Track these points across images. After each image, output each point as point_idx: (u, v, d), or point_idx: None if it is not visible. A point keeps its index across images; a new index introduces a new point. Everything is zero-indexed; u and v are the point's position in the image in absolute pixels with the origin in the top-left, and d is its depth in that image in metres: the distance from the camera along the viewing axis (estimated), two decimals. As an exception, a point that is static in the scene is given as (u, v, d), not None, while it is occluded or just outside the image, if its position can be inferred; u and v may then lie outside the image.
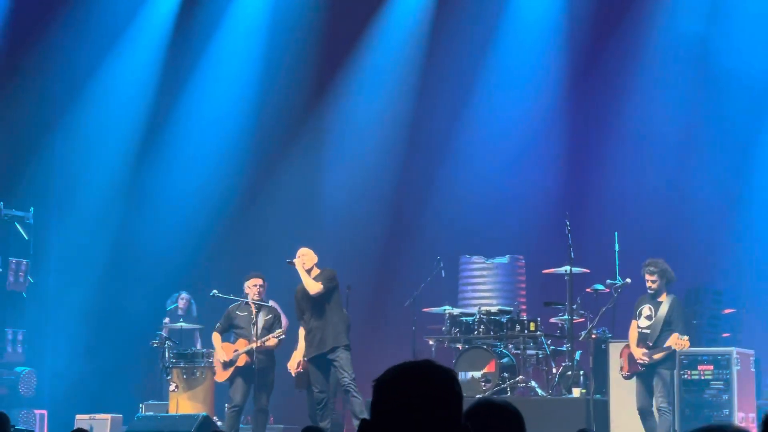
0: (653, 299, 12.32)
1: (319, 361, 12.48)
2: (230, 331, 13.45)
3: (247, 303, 13.26)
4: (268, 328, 13.19)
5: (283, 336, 13.21)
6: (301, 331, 12.94)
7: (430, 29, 17.31)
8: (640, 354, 12.18)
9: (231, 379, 13.12)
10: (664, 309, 12.19)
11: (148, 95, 17.30)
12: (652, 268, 12.27)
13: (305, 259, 12.72)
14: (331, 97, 17.79)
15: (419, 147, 17.40)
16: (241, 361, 13.06)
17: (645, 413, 12.18)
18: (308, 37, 17.36)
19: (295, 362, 13.29)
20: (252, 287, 13.29)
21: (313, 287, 12.57)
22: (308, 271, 12.69)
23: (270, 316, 13.29)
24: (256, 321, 13.14)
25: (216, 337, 13.35)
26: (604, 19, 16.52)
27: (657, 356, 12.11)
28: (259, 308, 13.25)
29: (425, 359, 2.56)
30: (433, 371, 2.47)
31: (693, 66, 15.99)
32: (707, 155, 15.84)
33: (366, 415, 3.76)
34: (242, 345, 13.14)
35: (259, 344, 12.99)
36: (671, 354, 12.17)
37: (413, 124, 17.36)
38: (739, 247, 15.19)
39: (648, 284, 12.32)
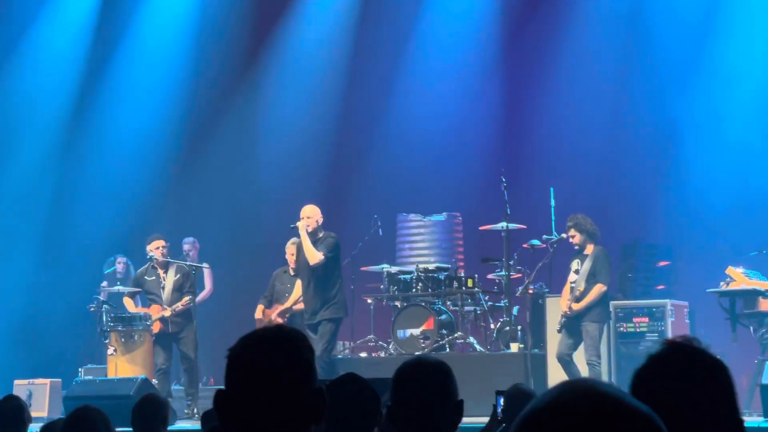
0: (580, 254, 12.48)
1: (313, 328, 12.36)
2: (141, 295, 13.50)
3: (154, 267, 13.28)
4: (179, 289, 13.23)
5: (190, 301, 13.19)
6: (298, 284, 12.94)
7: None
8: (564, 305, 12.35)
9: (152, 344, 13.18)
10: (589, 261, 12.35)
11: (79, 62, 17.10)
12: (569, 224, 12.49)
13: (310, 221, 12.43)
14: (266, 61, 17.70)
15: (354, 106, 17.37)
16: (156, 328, 13.13)
17: (562, 361, 12.26)
18: (240, 6, 17.28)
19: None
20: (155, 250, 13.30)
21: (313, 257, 12.29)
22: (314, 232, 12.42)
23: (178, 275, 13.32)
24: (165, 284, 13.19)
25: (128, 301, 13.46)
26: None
27: (576, 307, 12.24)
28: (166, 270, 13.26)
29: (276, 325, 2.64)
30: (282, 335, 2.52)
31: (625, 22, 16.08)
32: (640, 111, 15.98)
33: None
34: (156, 311, 13.18)
35: (171, 312, 13.03)
36: (596, 305, 12.27)
37: (348, 83, 17.33)
38: (673, 200, 15.36)
39: (570, 240, 12.52)
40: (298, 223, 12.46)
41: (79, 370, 13.99)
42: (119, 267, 15.69)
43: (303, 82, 17.45)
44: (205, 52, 17.35)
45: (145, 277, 13.35)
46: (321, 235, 12.49)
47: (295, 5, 17.59)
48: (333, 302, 12.39)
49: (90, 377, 13.41)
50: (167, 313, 13.05)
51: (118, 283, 15.30)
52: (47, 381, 14.14)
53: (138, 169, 17.04)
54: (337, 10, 17.41)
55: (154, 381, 12.83)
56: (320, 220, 12.53)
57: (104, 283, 15.44)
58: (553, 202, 13.54)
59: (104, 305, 13.66)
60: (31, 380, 14.07)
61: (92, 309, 13.77)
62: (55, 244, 16.52)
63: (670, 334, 12.83)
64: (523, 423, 1.59)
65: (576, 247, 12.51)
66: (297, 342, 2.51)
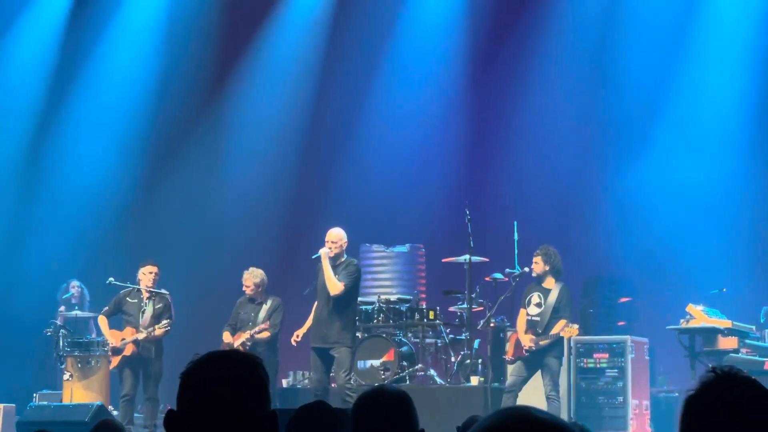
0: (540, 286, 12.41)
1: (322, 352, 12.10)
2: (118, 315, 13.34)
3: (138, 290, 13.17)
4: (158, 317, 13.11)
5: (169, 328, 13.11)
6: (315, 306, 12.47)
7: (330, 17, 17.29)
8: (527, 340, 12.23)
9: (120, 368, 13.04)
10: (553, 296, 12.28)
11: (42, 81, 17.00)
12: (538, 252, 12.38)
13: (334, 246, 12.08)
14: (232, 86, 17.67)
15: (319, 136, 17.37)
16: (128, 351, 12.98)
17: (512, 393, 12.20)
18: (209, 25, 17.25)
19: (295, 335, 13.03)
20: (147, 274, 13.19)
21: (334, 287, 11.96)
22: (335, 257, 12.07)
23: (160, 305, 13.20)
24: (145, 309, 13.08)
25: (102, 321, 13.27)
26: (505, 12, 16.65)
27: (543, 342, 12.16)
28: (150, 296, 13.16)
29: (231, 349, 2.65)
30: (235, 359, 2.52)
31: (590, 60, 16.20)
32: (603, 147, 16.07)
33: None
34: (129, 333, 13.04)
35: (146, 335, 12.91)
36: (559, 341, 12.24)
37: (313, 112, 17.32)
38: (634, 237, 15.42)
39: (532, 266, 12.44)
40: (321, 251, 12.11)
41: (34, 395, 13.81)
42: (74, 291, 15.55)
43: (267, 112, 17.42)
44: (170, 76, 17.28)
45: (128, 298, 13.22)
46: (342, 260, 12.16)
47: (261, 32, 17.58)
48: (347, 329, 12.11)
49: (45, 402, 13.22)
50: (142, 335, 12.93)
51: (76, 307, 15.16)
52: (1, 406, 13.96)
53: (98, 194, 16.90)
54: (302, 38, 17.42)
55: (110, 408, 12.69)
56: (344, 245, 12.21)
57: (62, 308, 15.30)
58: (516, 236, 13.55)
59: (61, 330, 13.51)
60: (-16, 404, 13.87)
61: (49, 333, 13.62)
62: (11, 267, 16.33)
63: (630, 371, 12.85)
64: None
65: (534, 276, 12.45)
66: (249, 364, 2.50)
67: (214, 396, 2.42)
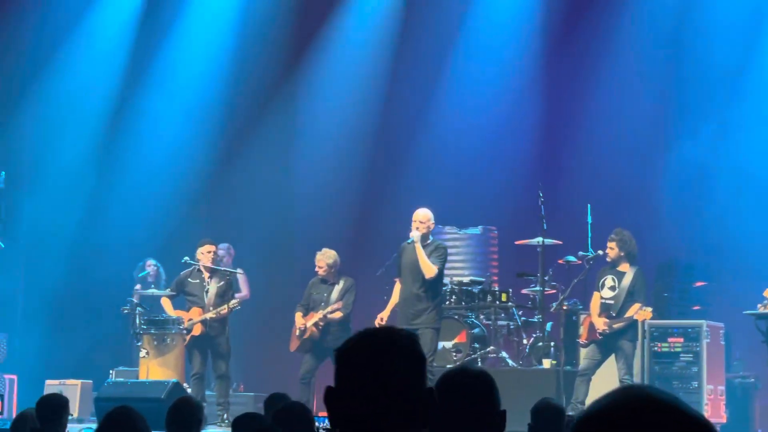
0: (614, 269, 12.36)
1: None
2: (181, 296, 13.51)
3: (199, 270, 13.34)
4: (221, 295, 13.27)
5: (238, 306, 13.27)
6: (396, 287, 12.47)
7: (405, 2, 17.27)
8: (601, 323, 12.20)
9: (189, 348, 13.21)
10: (627, 279, 12.24)
11: (121, 64, 17.17)
12: (613, 236, 12.38)
13: (422, 227, 12.10)
14: (306, 67, 17.72)
15: (393, 118, 17.35)
16: (197, 330, 13.16)
17: (585, 377, 12.18)
18: (285, 6, 17.31)
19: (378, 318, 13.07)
20: (206, 254, 13.36)
21: (429, 270, 11.96)
22: (422, 237, 12.05)
23: (222, 282, 13.36)
24: (209, 289, 13.23)
25: (166, 302, 13.46)
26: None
27: (617, 325, 12.14)
28: (211, 275, 13.31)
29: (387, 325, 2.64)
30: (395, 335, 2.51)
31: (666, 41, 16.01)
32: (679, 131, 15.88)
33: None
34: (196, 313, 13.21)
35: (214, 315, 13.06)
36: (633, 325, 12.21)
37: (387, 94, 17.31)
38: (711, 221, 15.24)
39: (606, 251, 12.40)
40: (413, 235, 12.06)
41: (111, 371, 14.01)
42: (151, 269, 15.74)
43: (342, 91, 17.44)
44: (246, 59, 17.36)
45: (189, 279, 13.40)
46: (429, 241, 12.18)
47: (335, 18, 17.59)
48: (434, 310, 12.08)
49: (121, 379, 13.42)
50: (211, 314, 13.09)
51: (152, 286, 15.34)
52: (78, 382, 14.18)
53: (175, 174, 17.05)
54: (377, 23, 17.41)
55: (185, 385, 12.84)
56: (432, 226, 12.26)
57: (138, 286, 15.50)
58: (590, 219, 13.46)
59: (138, 308, 13.70)
60: (62, 381, 14.10)
61: (126, 311, 13.81)
62: (90, 246, 16.55)
63: (705, 356, 12.72)
64: (579, 428, 1.56)
65: (608, 261, 12.42)
66: (409, 341, 2.50)
67: (376, 372, 2.43)
